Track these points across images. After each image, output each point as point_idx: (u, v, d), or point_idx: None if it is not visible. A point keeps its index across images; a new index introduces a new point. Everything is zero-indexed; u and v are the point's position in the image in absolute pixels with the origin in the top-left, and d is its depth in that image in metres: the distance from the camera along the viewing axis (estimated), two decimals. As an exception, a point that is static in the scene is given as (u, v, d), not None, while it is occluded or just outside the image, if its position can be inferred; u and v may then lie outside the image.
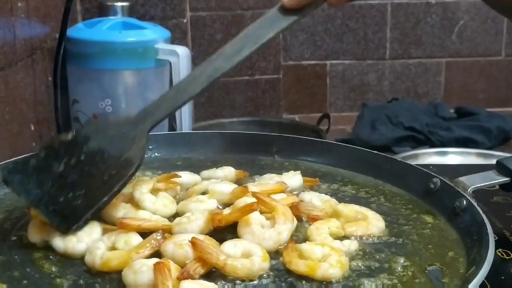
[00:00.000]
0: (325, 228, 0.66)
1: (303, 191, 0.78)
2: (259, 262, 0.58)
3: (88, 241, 0.63)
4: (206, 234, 0.64)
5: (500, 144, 1.62)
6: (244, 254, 0.59)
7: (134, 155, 0.67)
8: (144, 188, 0.72)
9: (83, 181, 0.66)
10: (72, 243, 0.63)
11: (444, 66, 1.91)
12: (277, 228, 0.63)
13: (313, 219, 0.69)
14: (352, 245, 0.65)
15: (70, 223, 0.63)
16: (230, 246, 0.60)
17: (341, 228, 0.67)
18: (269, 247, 0.62)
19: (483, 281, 0.56)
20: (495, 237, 0.62)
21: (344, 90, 1.91)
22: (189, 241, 0.59)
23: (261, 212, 0.66)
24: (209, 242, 0.62)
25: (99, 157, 0.67)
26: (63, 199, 0.65)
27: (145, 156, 0.69)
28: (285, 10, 0.69)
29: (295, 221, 0.67)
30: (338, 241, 0.65)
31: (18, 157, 0.80)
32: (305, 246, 0.62)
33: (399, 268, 0.62)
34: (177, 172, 0.80)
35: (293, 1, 0.69)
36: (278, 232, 0.63)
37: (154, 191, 0.72)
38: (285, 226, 0.64)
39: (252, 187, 0.74)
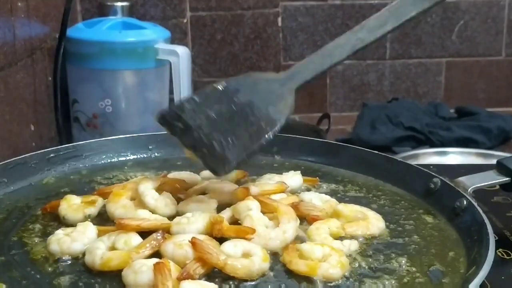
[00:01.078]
0: (325, 228, 0.66)
1: (303, 191, 0.78)
2: (259, 262, 0.59)
3: (83, 241, 0.63)
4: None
5: (500, 144, 1.62)
6: (244, 254, 0.60)
7: (281, 110, 0.69)
8: (149, 184, 0.73)
9: (234, 129, 0.68)
10: (67, 244, 0.63)
11: (444, 66, 1.90)
12: (282, 227, 0.64)
13: (313, 219, 0.69)
14: (352, 245, 0.65)
15: (222, 164, 0.67)
16: (230, 246, 0.60)
17: (341, 228, 0.67)
18: (275, 247, 0.62)
19: (484, 281, 0.56)
20: (495, 237, 0.62)
21: (344, 90, 1.91)
22: (189, 241, 0.59)
23: (264, 213, 0.66)
24: (209, 242, 0.63)
25: (248, 109, 0.69)
26: (217, 143, 0.67)
27: (289, 114, 0.71)
28: None
29: (298, 220, 0.67)
30: (338, 241, 0.65)
31: (17, 157, 0.81)
32: (305, 246, 0.62)
33: (399, 268, 0.62)
34: (177, 172, 0.80)
35: None
36: (284, 231, 0.63)
37: (159, 190, 0.73)
38: (290, 225, 0.64)
39: (252, 187, 0.74)
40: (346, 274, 0.59)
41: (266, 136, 0.68)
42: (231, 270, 0.58)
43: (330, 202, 0.74)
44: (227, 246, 0.60)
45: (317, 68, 0.72)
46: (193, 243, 0.59)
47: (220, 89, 0.70)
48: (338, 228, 0.67)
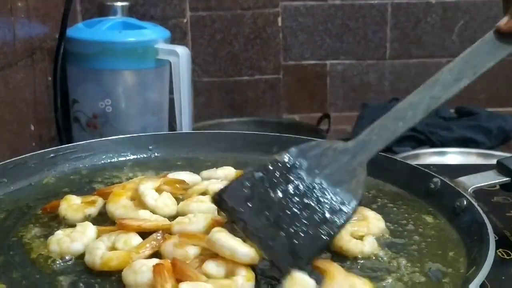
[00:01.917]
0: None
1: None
2: (242, 283, 0.56)
3: (83, 241, 0.63)
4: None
5: (500, 144, 1.62)
6: (228, 274, 0.57)
7: (354, 189, 0.61)
8: (149, 184, 0.72)
9: (304, 215, 0.58)
10: (67, 244, 0.63)
11: (444, 65, 1.91)
12: None
13: None
14: (373, 244, 0.64)
15: (291, 261, 0.56)
16: (213, 265, 0.57)
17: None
18: None
19: (484, 281, 0.56)
20: (495, 237, 0.62)
21: (344, 90, 1.91)
22: (170, 262, 0.57)
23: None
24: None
25: (318, 187, 0.60)
26: (284, 234, 0.57)
27: (362, 193, 0.62)
28: (502, 36, 0.66)
29: None
30: (358, 242, 0.64)
31: (17, 157, 0.80)
32: None
33: (399, 268, 0.61)
34: (177, 172, 0.80)
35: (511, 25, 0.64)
36: None
37: (159, 190, 0.73)
38: None
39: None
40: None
41: (340, 221, 0.59)
42: None
43: (330, 202, 0.73)
44: (210, 265, 0.57)
45: (390, 135, 0.65)
46: (173, 264, 0.56)
47: (284, 163, 0.61)
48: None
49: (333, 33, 1.86)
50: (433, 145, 1.55)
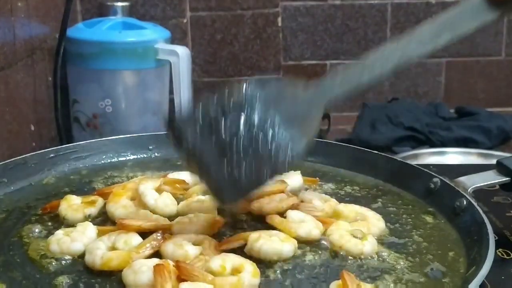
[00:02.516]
0: (346, 230, 0.66)
1: (304, 190, 0.78)
2: (249, 279, 0.56)
3: (83, 241, 0.63)
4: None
5: (500, 144, 1.62)
6: (234, 270, 0.58)
7: (306, 128, 0.60)
8: (150, 184, 0.73)
9: (251, 146, 0.57)
10: (67, 244, 0.63)
11: (444, 66, 1.90)
12: None
13: None
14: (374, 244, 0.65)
15: (227, 196, 0.59)
16: (218, 262, 0.58)
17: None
18: None
19: (484, 281, 0.56)
20: (495, 237, 0.62)
21: (344, 90, 1.91)
22: (174, 265, 0.57)
23: None
24: (208, 243, 0.62)
25: (270, 122, 0.58)
26: (227, 163, 0.57)
27: (312, 137, 0.61)
28: (490, 1, 0.60)
29: None
30: (358, 241, 0.64)
31: (17, 157, 0.81)
32: None
33: (399, 268, 0.62)
34: (177, 172, 0.80)
35: None
36: None
37: (159, 190, 0.73)
38: None
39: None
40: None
41: (282, 165, 0.58)
42: None
43: (330, 202, 0.74)
44: (215, 262, 0.58)
45: (352, 81, 0.62)
46: (178, 266, 0.56)
47: (242, 94, 0.59)
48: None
49: (333, 33, 1.86)
50: (433, 145, 1.55)
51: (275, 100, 0.59)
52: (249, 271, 0.57)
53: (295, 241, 0.64)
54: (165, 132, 0.61)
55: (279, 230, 0.65)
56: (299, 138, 0.59)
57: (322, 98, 0.62)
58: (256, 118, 0.58)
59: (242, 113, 0.58)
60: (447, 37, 0.60)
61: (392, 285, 0.59)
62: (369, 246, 0.64)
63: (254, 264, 0.59)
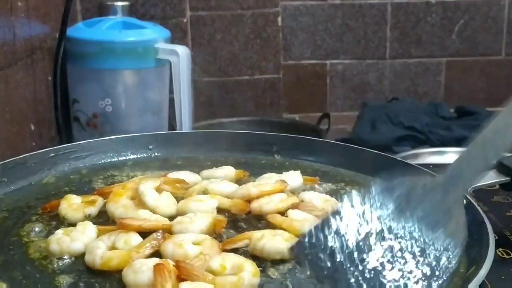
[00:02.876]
0: None
1: (304, 190, 0.78)
2: (249, 278, 0.56)
3: (83, 241, 0.63)
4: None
5: (500, 143, 1.62)
6: (234, 269, 0.58)
7: (454, 233, 0.53)
8: (149, 183, 0.72)
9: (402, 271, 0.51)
10: (67, 244, 0.63)
11: (444, 65, 1.91)
12: None
13: None
14: None
15: None
16: (218, 262, 0.58)
17: None
18: None
19: (484, 281, 0.56)
20: (495, 237, 0.62)
21: (344, 89, 1.91)
22: (174, 265, 0.56)
23: None
24: (209, 242, 0.63)
25: (411, 234, 0.52)
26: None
27: (464, 237, 0.54)
28: None
29: None
30: None
31: (17, 157, 0.81)
32: None
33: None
34: (177, 172, 0.80)
35: None
36: None
37: (159, 190, 0.73)
38: None
39: (252, 188, 0.74)
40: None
41: (445, 275, 0.51)
42: None
43: (330, 202, 0.74)
44: (215, 262, 0.58)
45: (482, 165, 0.60)
46: (178, 266, 0.56)
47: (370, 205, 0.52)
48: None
49: (333, 32, 1.86)
50: (433, 144, 1.55)
51: (408, 208, 0.53)
52: (250, 271, 0.57)
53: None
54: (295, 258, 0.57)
55: (282, 229, 0.65)
56: (451, 246, 0.53)
57: (459, 193, 0.57)
58: (393, 235, 0.51)
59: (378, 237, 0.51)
60: None
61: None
62: None
63: (254, 263, 0.59)
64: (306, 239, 0.52)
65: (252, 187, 0.74)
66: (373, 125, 1.67)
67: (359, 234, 0.51)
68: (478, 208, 0.68)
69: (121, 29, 1.19)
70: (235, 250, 0.62)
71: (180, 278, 0.56)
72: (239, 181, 0.80)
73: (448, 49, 1.90)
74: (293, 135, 0.95)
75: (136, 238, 0.63)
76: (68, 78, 1.20)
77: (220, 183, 0.77)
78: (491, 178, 0.76)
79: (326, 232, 0.52)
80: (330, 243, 0.51)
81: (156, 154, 0.92)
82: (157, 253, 0.61)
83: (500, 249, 0.73)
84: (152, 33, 1.21)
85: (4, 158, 0.80)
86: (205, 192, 0.75)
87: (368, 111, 1.75)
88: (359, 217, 0.52)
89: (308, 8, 1.83)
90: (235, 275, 0.57)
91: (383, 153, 0.87)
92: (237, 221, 0.70)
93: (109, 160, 0.89)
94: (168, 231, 0.65)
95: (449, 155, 1.45)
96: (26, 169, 0.81)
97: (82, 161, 0.87)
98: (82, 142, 0.89)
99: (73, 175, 0.85)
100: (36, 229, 0.68)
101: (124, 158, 0.90)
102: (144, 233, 0.64)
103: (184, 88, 1.18)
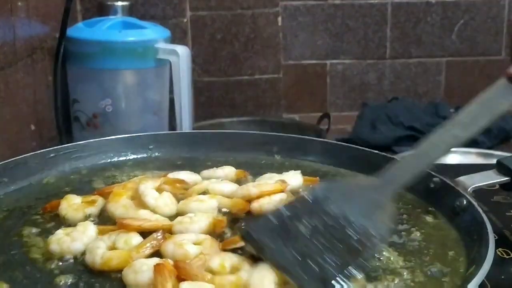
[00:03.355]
0: None
1: (304, 190, 0.78)
2: (248, 277, 0.56)
3: (83, 241, 0.63)
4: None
5: (500, 143, 1.62)
6: (233, 269, 0.58)
7: (381, 221, 0.63)
8: (150, 184, 0.73)
9: (331, 245, 0.59)
10: (67, 244, 0.63)
11: (444, 65, 1.90)
12: None
13: None
14: None
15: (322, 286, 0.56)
16: (217, 261, 0.58)
17: None
18: None
19: (483, 281, 0.56)
20: (495, 237, 0.62)
21: (344, 89, 1.91)
22: (173, 265, 0.57)
23: None
24: (209, 242, 0.63)
25: (344, 222, 0.61)
26: (312, 263, 0.57)
27: (391, 226, 0.64)
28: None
29: None
30: None
31: (18, 157, 0.81)
32: None
33: (399, 268, 0.62)
34: (177, 172, 0.81)
35: None
36: None
37: (159, 190, 0.73)
38: None
39: (252, 188, 0.74)
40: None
41: (369, 254, 0.60)
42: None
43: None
44: (215, 262, 0.58)
45: (413, 169, 0.69)
46: (177, 266, 0.56)
47: (310, 200, 0.64)
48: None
49: (333, 32, 1.86)
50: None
51: (345, 199, 0.63)
52: (248, 270, 0.57)
53: None
54: (245, 234, 0.62)
55: None
56: (378, 225, 0.62)
57: (390, 189, 0.67)
58: (330, 220, 0.61)
59: (315, 219, 0.61)
60: (484, 119, 0.69)
61: (392, 284, 0.59)
62: None
63: (252, 263, 0.59)
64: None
65: (252, 187, 0.74)
66: (373, 125, 1.67)
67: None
68: (478, 208, 0.68)
69: (121, 29, 1.19)
70: (235, 250, 0.62)
71: (181, 278, 0.56)
72: (239, 181, 0.80)
73: (448, 49, 1.90)
74: (293, 135, 0.95)
75: (136, 238, 0.63)
76: (68, 78, 1.20)
77: (220, 183, 0.77)
78: (491, 178, 0.76)
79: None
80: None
81: (156, 154, 0.92)
82: (157, 253, 0.61)
83: (500, 249, 0.73)
84: (152, 33, 1.21)
85: (5, 158, 0.80)
86: (205, 192, 0.75)
87: (368, 111, 1.75)
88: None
89: (308, 8, 1.83)
90: (235, 275, 0.57)
91: (382, 153, 0.87)
92: (238, 221, 0.70)
93: (109, 160, 0.89)
94: (168, 231, 0.65)
95: (449, 155, 1.45)
96: (26, 169, 0.81)
97: (83, 161, 0.87)
98: (82, 142, 0.89)
99: (74, 175, 0.85)
100: (36, 229, 0.68)
101: (124, 158, 0.90)
102: (144, 233, 0.64)
103: (184, 88, 1.18)
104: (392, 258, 0.63)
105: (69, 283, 0.58)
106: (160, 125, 1.24)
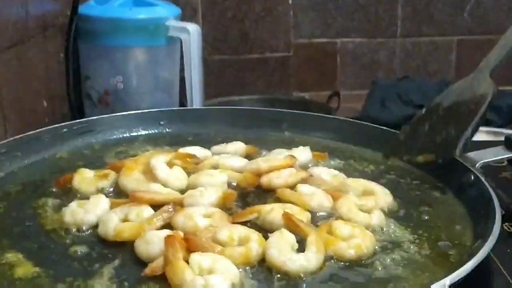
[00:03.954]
0: (354, 203, 0.67)
1: (312, 166, 0.79)
2: (256, 248, 0.58)
3: (96, 213, 0.64)
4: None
5: (510, 122, 1.61)
6: (241, 240, 0.59)
7: (485, 91, 0.76)
8: (161, 158, 0.74)
9: (450, 122, 0.76)
10: (80, 216, 0.64)
11: (455, 44, 1.89)
12: (307, 254, 0.57)
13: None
14: (380, 218, 0.66)
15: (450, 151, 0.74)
16: (226, 234, 0.59)
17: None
18: (293, 269, 0.56)
19: (489, 254, 0.57)
20: (502, 212, 0.63)
21: (355, 68, 1.91)
22: (182, 238, 0.58)
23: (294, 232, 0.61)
24: (219, 215, 0.64)
25: (455, 106, 0.78)
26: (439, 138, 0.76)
27: (494, 90, 0.77)
28: None
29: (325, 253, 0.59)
30: (367, 215, 0.65)
31: (31, 132, 0.82)
32: (337, 224, 0.62)
33: (406, 241, 0.62)
34: (188, 147, 0.81)
35: None
36: (308, 259, 0.57)
37: (170, 164, 0.74)
38: (316, 256, 0.58)
39: (261, 162, 0.75)
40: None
41: (482, 109, 0.74)
42: (230, 259, 0.56)
43: (338, 177, 0.74)
44: (223, 234, 0.59)
45: (502, 51, 0.82)
46: (186, 239, 0.57)
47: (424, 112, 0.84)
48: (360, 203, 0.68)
49: (344, 11, 1.85)
50: (443, 123, 1.55)
51: (453, 95, 0.81)
52: (256, 241, 0.58)
53: (309, 214, 0.65)
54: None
55: (291, 203, 0.66)
56: (483, 93, 0.76)
57: (485, 70, 0.80)
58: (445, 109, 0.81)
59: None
60: None
61: (398, 257, 0.60)
62: (376, 219, 0.65)
63: (260, 234, 0.60)
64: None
65: (261, 162, 0.75)
66: (382, 104, 1.67)
67: None
68: (486, 183, 0.68)
69: (132, 7, 1.19)
70: (244, 224, 0.63)
71: (191, 250, 0.57)
72: (249, 157, 0.81)
73: (459, 27, 1.88)
74: (302, 112, 0.96)
75: (148, 211, 0.64)
76: (79, 55, 1.21)
77: (230, 158, 0.78)
78: (500, 154, 0.77)
79: None
80: None
81: (167, 130, 0.93)
82: (168, 225, 0.62)
83: (507, 224, 0.73)
84: (163, 11, 1.21)
85: (18, 133, 0.81)
86: (215, 167, 0.76)
87: (378, 90, 1.74)
88: None
89: (319, -14, 1.82)
90: (243, 246, 0.58)
91: (391, 130, 0.87)
92: (247, 195, 0.71)
93: (121, 136, 0.91)
94: (179, 204, 0.66)
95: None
96: (39, 144, 0.82)
97: (95, 137, 0.89)
98: (94, 117, 0.91)
99: (86, 150, 0.86)
100: (50, 202, 0.70)
101: (135, 134, 0.92)
102: (156, 206, 0.65)
103: (195, 66, 1.18)
104: (399, 232, 0.64)
105: (83, 254, 0.59)
106: (170, 103, 1.24)
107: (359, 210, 0.66)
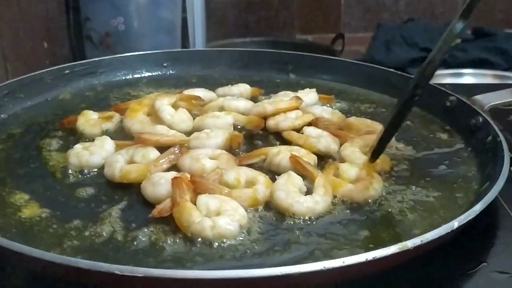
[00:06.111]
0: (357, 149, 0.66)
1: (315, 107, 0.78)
2: (263, 190, 0.57)
3: (101, 155, 0.64)
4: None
5: (516, 66, 1.60)
6: (248, 183, 0.59)
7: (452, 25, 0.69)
8: (166, 100, 0.73)
9: None
10: (86, 158, 0.63)
11: (462, -14, 1.86)
12: (314, 197, 0.57)
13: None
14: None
15: None
16: (233, 176, 0.59)
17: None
18: (300, 211, 0.56)
19: (497, 197, 0.57)
20: (510, 155, 0.62)
21: (359, 10, 1.87)
22: (189, 180, 0.57)
23: (302, 176, 0.61)
24: (225, 157, 0.63)
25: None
26: None
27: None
28: None
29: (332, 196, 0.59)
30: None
31: (33, 73, 0.81)
32: (344, 166, 0.62)
33: (414, 183, 0.62)
34: (192, 89, 0.80)
35: None
36: (316, 201, 0.57)
37: (175, 106, 0.73)
38: (324, 198, 0.58)
39: (267, 105, 0.74)
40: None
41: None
42: (237, 201, 0.56)
43: (337, 114, 0.74)
44: (230, 176, 0.59)
45: None
46: (193, 181, 0.57)
47: None
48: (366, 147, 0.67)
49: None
50: (448, 66, 1.53)
51: None
52: (263, 183, 0.58)
53: (315, 157, 0.64)
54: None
55: (298, 146, 0.66)
56: None
57: None
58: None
59: None
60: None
61: (406, 200, 0.59)
62: (380, 162, 0.64)
63: (267, 176, 0.60)
64: None
65: (267, 104, 0.74)
66: (387, 47, 1.65)
67: None
68: (494, 126, 0.68)
69: None
70: (251, 166, 0.63)
71: (197, 191, 0.57)
72: (254, 99, 0.80)
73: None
74: (307, 53, 0.94)
75: (154, 152, 0.64)
76: (79, -5, 1.19)
77: (236, 100, 0.77)
78: (508, 97, 0.76)
79: None
80: None
81: (170, 71, 0.92)
82: (174, 167, 0.62)
83: (514, 167, 0.73)
84: (164, -51, 1.18)
85: (20, 75, 0.80)
86: (220, 109, 0.75)
87: (382, 32, 1.72)
88: None
89: None
90: (250, 188, 0.58)
91: (398, 72, 0.86)
92: (253, 138, 0.71)
93: (124, 78, 0.89)
94: (185, 146, 0.66)
95: (465, 77, 1.44)
96: (42, 86, 0.81)
97: (97, 78, 0.87)
98: (97, 59, 0.89)
99: (89, 91, 0.85)
100: (55, 143, 0.69)
101: (139, 75, 0.90)
102: (161, 148, 0.65)
103: (197, 6, 1.16)
104: (406, 174, 0.64)
105: (90, 195, 0.59)
106: (172, 44, 1.22)
107: (361, 154, 0.65)
